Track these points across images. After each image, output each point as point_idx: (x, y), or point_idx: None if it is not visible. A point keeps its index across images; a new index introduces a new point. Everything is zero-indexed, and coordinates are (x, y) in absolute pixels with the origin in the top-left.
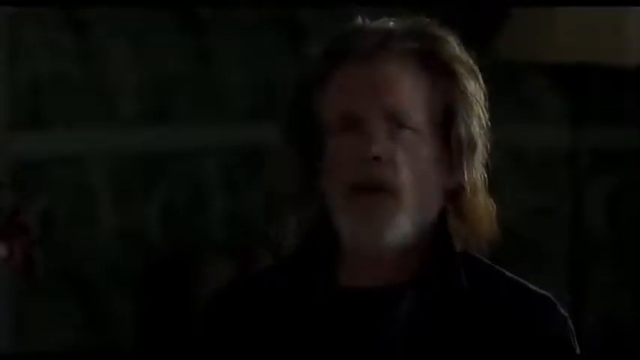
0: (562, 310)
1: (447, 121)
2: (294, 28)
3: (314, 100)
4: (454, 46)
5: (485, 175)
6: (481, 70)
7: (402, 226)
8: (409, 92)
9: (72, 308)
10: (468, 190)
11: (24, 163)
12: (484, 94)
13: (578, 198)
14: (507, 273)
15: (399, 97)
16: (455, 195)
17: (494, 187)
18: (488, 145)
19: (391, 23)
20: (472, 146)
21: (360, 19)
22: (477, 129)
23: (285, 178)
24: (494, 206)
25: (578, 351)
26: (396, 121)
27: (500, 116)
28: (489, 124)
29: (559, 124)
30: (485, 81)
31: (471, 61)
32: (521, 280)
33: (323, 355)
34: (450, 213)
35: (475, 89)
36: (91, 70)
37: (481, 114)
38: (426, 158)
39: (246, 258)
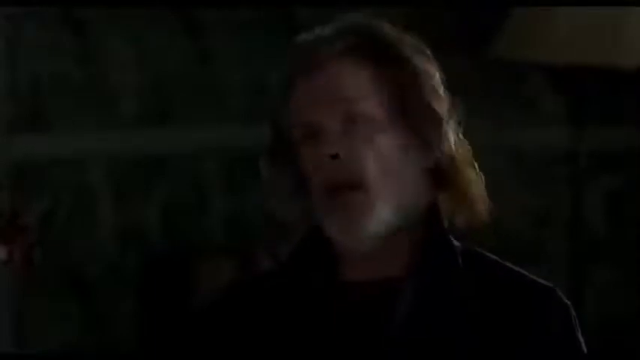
0: (564, 299)
1: (404, 104)
2: (294, 28)
3: (283, 114)
4: (393, 31)
5: (469, 148)
6: (481, 70)
7: (381, 216)
8: (355, 87)
9: (72, 308)
10: (446, 160)
11: (24, 164)
12: (436, 68)
13: (578, 198)
14: (510, 265)
15: (346, 94)
16: (438, 171)
17: (494, 187)
18: (458, 114)
19: (331, 27)
20: (435, 120)
21: (300, 36)
22: (435, 102)
23: (273, 185)
24: (483, 177)
25: (581, 338)
26: (349, 118)
27: (500, 116)
28: (448, 93)
29: (558, 124)
30: (485, 81)
31: (415, 41)
32: (523, 271)
33: (327, 348)
34: (439, 193)
35: (424, 65)
36: (91, 70)
37: (435, 86)
38: (389, 144)
39: (245, 258)
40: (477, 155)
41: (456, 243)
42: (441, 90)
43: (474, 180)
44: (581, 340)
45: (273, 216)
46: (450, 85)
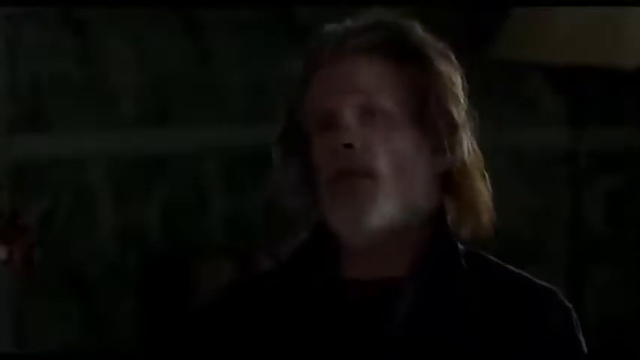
0: (566, 301)
1: (423, 105)
2: (294, 28)
3: (299, 105)
4: (419, 32)
5: (482, 159)
6: (481, 70)
7: (385, 208)
8: (377, 81)
9: (72, 308)
10: (457, 167)
11: (24, 164)
12: (459, 73)
13: (578, 198)
14: (512, 268)
15: (368, 86)
16: (449, 177)
17: (494, 187)
18: (475, 119)
19: (357, 21)
20: (452, 125)
21: (329, 26)
22: (454, 108)
23: (279, 175)
24: (490, 188)
25: (582, 341)
26: (367, 109)
27: (500, 116)
28: (470, 106)
29: (558, 124)
30: (485, 81)
31: (440, 44)
32: (524, 273)
33: (327, 348)
34: (447, 199)
35: (446, 69)
36: (91, 70)
37: (456, 91)
38: (404, 142)
39: (245, 258)
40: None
41: (459, 245)
42: (462, 96)
43: (483, 190)
44: (583, 343)
45: (274, 209)
46: None
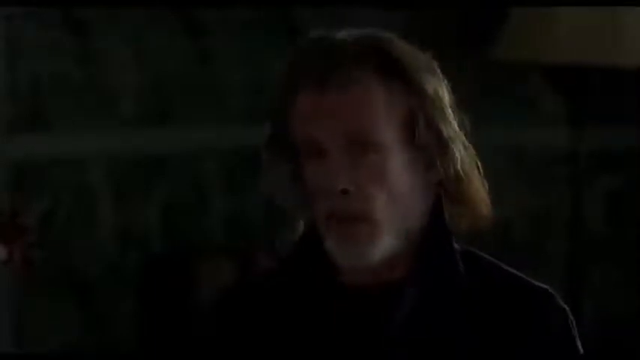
0: (561, 302)
1: (412, 127)
2: (294, 28)
3: (285, 122)
4: (404, 48)
5: (473, 151)
6: (481, 70)
7: (384, 245)
8: (368, 111)
9: (72, 308)
10: (454, 181)
11: (24, 164)
12: (447, 88)
13: (578, 198)
14: (507, 268)
15: (358, 119)
16: (445, 182)
17: (494, 187)
18: (467, 127)
19: (343, 38)
20: (442, 143)
21: (313, 34)
22: (443, 126)
23: (271, 181)
24: (486, 184)
25: (578, 341)
26: (359, 144)
27: (500, 116)
28: (465, 120)
29: (558, 124)
30: (485, 81)
31: (427, 58)
32: (520, 274)
33: (328, 348)
34: (442, 192)
35: (433, 86)
36: (91, 70)
37: (444, 107)
38: (397, 170)
39: (245, 258)
40: (477, 155)
41: (455, 245)
42: (449, 111)
43: (478, 184)
44: (579, 343)
45: (275, 208)
46: (451, 86)
